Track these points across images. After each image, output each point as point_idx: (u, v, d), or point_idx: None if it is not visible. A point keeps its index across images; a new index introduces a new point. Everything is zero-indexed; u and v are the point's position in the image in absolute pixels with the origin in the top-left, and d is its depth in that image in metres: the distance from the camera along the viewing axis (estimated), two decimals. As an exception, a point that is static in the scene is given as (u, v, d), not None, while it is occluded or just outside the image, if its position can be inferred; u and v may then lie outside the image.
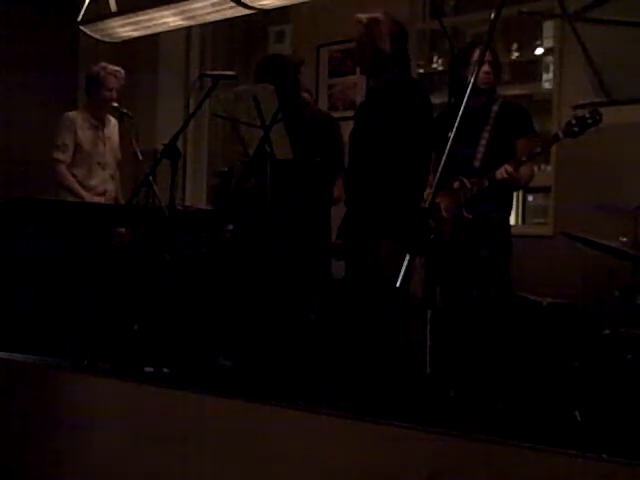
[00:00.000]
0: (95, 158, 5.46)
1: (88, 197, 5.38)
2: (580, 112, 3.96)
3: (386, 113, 4.15)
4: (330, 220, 4.72)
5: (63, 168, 5.39)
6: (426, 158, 4.19)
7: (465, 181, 4.15)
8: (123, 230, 5.12)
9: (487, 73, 4.22)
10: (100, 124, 5.50)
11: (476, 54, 4.16)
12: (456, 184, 4.16)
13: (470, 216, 4.13)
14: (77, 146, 5.40)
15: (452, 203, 4.14)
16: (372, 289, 4.07)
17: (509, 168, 4.05)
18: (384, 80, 4.27)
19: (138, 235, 5.04)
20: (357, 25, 4.28)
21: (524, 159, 4.07)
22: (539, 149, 4.10)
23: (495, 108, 4.26)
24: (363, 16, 4.27)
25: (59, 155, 5.39)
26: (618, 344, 3.82)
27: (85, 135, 5.44)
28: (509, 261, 4.22)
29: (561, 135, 4.01)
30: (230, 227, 4.90)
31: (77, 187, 5.37)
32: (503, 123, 4.23)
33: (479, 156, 4.20)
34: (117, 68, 5.48)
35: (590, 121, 3.92)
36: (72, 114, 5.51)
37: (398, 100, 4.15)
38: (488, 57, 4.17)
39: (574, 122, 3.94)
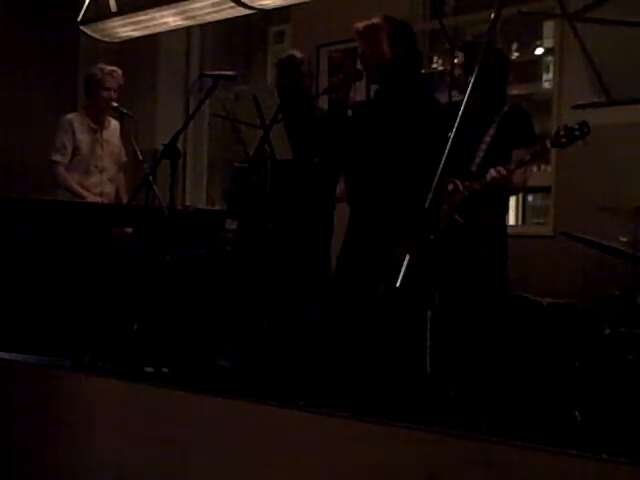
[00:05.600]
0: (92, 161, 5.45)
1: (89, 196, 5.36)
2: (571, 121, 3.96)
3: (399, 120, 3.99)
4: (333, 221, 4.70)
5: (62, 170, 5.37)
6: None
7: (458, 184, 4.13)
8: (129, 230, 5.11)
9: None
10: (99, 127, 5.48)
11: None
12: (450, 186, 4.14)
13: (462, 220, 4.11)
14: (75, 149, 5.40)
15: (445, 205, 4.13)
16: (384, 293, 4.00)
17: (502, 170, 4.03)
18: (391, 86, 4.12)
19: (138, 235, 5.04)
20: (355, 35, 4.14)
21: (512, 167, 4.04)
22: (528, 157, 4.09)
23: (500, 112, 4.24)
24: (360, 25, 4.14)
25: (57, 157, 5.37)
26: (618, 344, 3.82)
27: (83, 138, 5.42)
28: (505, 262, 4.20)
29: (549, 146, 4.02)
30: (232, 227, 4.89)
31: (77, 187, 5.35)
32: (506, 129, 4.20)
33: (477, 160, 4.17)
34: (114, 68, 5.47)
35: (577, 133, 3.92)
36: (71, 116, 5.50)
37: (411, 106, 4.01)
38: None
39: (562, 133, 3.95)
